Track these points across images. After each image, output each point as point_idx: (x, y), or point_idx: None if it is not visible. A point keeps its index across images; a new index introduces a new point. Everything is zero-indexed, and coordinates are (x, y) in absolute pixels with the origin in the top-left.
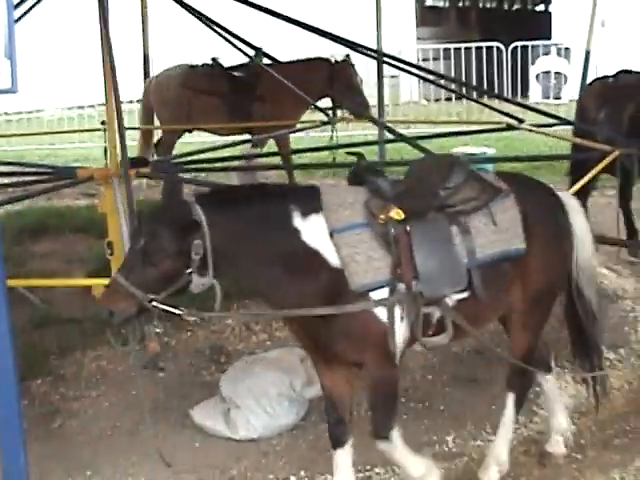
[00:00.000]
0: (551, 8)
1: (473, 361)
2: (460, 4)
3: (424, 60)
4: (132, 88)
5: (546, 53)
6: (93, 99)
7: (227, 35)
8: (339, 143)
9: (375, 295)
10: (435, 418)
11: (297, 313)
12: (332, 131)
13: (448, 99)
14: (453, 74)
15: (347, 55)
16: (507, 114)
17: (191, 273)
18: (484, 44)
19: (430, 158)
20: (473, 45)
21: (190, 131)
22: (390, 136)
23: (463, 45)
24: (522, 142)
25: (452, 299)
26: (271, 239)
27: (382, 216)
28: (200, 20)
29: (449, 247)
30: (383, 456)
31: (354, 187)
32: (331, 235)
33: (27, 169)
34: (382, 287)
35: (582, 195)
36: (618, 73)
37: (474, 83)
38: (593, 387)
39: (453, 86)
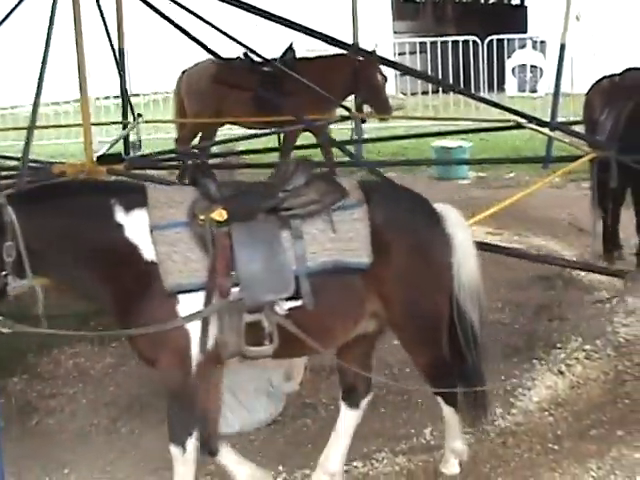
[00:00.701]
0: (527, 2)
1: None
2: None
3: (400, 54)
4: (108, 83)
5: (522, 46)
6: (69, 95)
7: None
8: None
9: (190, 297)
10: (413, 411)
11: (122, 334)
12: (354, 126)
13: (424, 93)
14: (429, 68)
15: (373, 51)
16: (512, 108)
17: (7, 275)
18: (460, 38)
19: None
20: (449, 39)
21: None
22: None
23: (439, 39)
24: (496, 136)
25: (282, 307)
26: (92, 234)
27: (202, 217)
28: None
29: (275, 252)
30: (362, 450)
31: (188, 187)
32: (151, 231)
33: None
34: (199, 290)
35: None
36: (625, 71)
37: (450, 77)
38: (474, 415)
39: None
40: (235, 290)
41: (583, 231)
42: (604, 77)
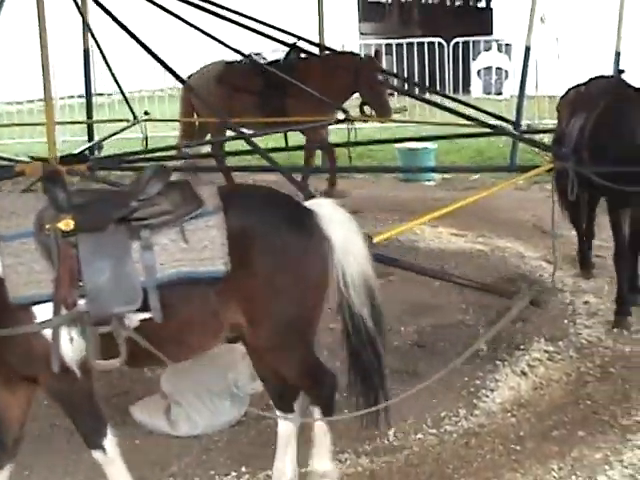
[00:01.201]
0: (492, 4)
1: (414, 354)
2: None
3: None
4: (73, 83)
5: (487, 49)
6: (33, 94)
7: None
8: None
9: (40, 310)
10: (377, 413)
11: None
12: (349, 128)
13: (391, 94)
14: (395, 69)
15: (376, 51)
16: (480, 109)
17: None
18: (426, 40)
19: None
20: (415, 41)
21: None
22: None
23: (405, 41)
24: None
25: (133, 319)
26: None
27: (48, 226)
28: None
29: (123, 263)
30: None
31: (38, 195)
32: None
33: None
34: (47, 301)
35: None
36: (590, 80)
37: (416, 78)
38: (374, 422)
39: (396, 82)
40: (82, 302)
41: (547, 233)
42: (571, 88)
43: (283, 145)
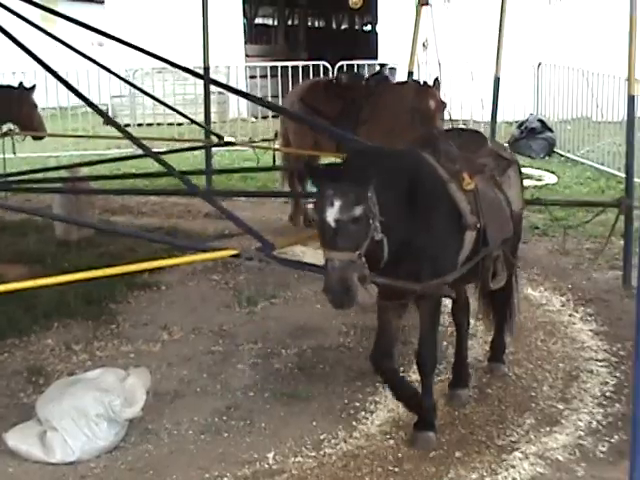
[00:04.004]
0: (377, 28)
1: (295, 377)
2: (289, 22)
3: (252, 77)
4: None
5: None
6: None
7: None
8: None
9: None
10: (256, 435)
11: None
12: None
13: (275, 116)
14: (280, 92)
15: (435, 79)
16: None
17: None
18: (311, 63)
19: None
20: (300, 64)
21: None
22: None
23: (290, 63)
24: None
25: None
26: None
27: None
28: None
29: None
30: (204, 475)
31: None
32: None
33: None
34: None
35: None
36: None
37: None
38: None
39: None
40: None
41: None
42: None
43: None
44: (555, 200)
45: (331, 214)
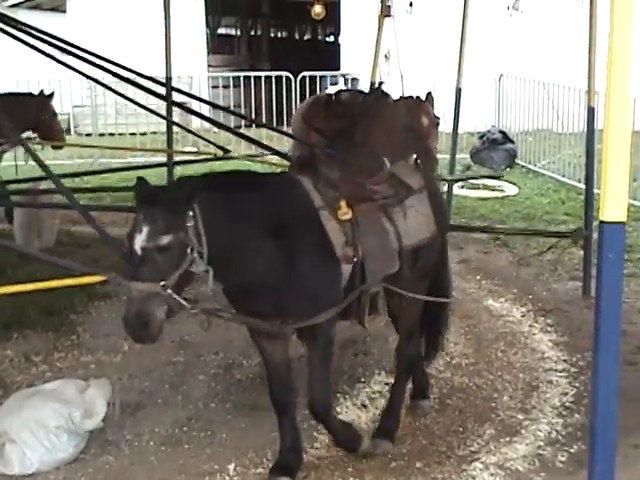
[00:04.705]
0: (340, 39)
1: (256, 388)
2: (252, 33)
3: (214, 87)
4: None
5: (334, 83)
6: None
7: None
8: None
9: None
10: (217, 447)
11: None
12: None
13: (238, 126)
14: (243, 102)
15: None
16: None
17: None
18: (273, 73)
19: None
20: (263, 74)
21: None
22: None
23: (253, 74)
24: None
25: None
26: None
27: None
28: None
29: None
30: None
31: None
32: None
33: None
34: None
35: None
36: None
37: (263, 111)
38: None
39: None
40: None
41: None
42: None
43: None
44: (505, 228)
45: (138, 241)
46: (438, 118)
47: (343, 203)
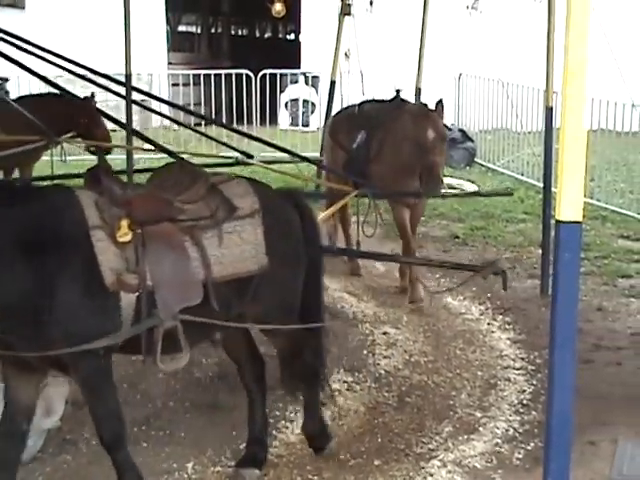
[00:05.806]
0: (300, 37)
1: (215, 387)
2: (212, 30)
3: (174, 85)
4: None
5: (294, 81)
6: None
7: None
8: None
9: None
10: (176, 445)
11: None
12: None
13: (198, 124)
14: (203, 100)
15: (439, 101)
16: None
17: None
18: (233, 71)
19: None
20: (223, 72)
21: None
22: None
23: (213, 72)
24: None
25: None
26: None
27: None
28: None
29: None
30: None
31: None
32: None
33: None
34: None
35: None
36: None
37: (224, 109)
38: None
39: (203, 112)
40: None
41: (347, 263)
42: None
43: None
44: (426, 259)
45: None
46: (449, 129)
47: (124, 223)
